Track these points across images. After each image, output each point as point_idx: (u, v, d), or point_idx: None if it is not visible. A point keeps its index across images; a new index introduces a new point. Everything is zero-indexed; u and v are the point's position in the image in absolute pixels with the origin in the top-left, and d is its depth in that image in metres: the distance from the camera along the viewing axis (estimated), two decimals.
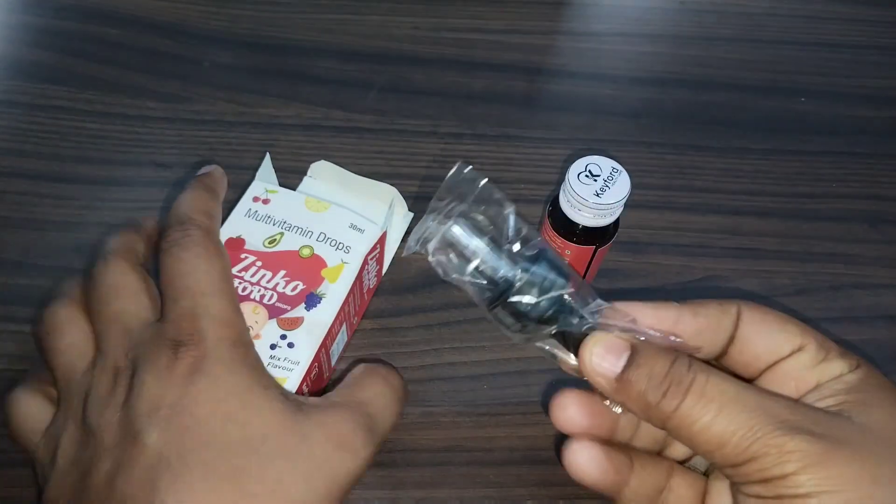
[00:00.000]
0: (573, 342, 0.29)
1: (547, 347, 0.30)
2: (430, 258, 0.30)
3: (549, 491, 0.37)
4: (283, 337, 0.34)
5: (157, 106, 0.52)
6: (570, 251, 0.39)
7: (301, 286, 0.36)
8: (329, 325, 0.35)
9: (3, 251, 0.44)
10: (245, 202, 0.39)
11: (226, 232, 0.37)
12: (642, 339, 0.28)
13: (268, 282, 0.35)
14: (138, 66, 0.54)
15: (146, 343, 0.29)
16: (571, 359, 0.29)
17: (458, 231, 0.29)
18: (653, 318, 0.28)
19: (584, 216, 0.37)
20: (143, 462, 0.26)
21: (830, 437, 0.24)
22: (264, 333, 0.34)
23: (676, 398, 0.25)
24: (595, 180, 0.36)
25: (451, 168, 0.30)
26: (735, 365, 0.29)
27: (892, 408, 0.26)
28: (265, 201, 0.39)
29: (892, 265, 0.47)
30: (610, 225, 0.38)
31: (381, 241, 0.40)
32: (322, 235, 0.38)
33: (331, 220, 0.38)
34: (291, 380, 0.33)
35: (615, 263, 0.46)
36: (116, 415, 0.28)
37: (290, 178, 0.44)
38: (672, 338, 0.28)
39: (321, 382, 0.38)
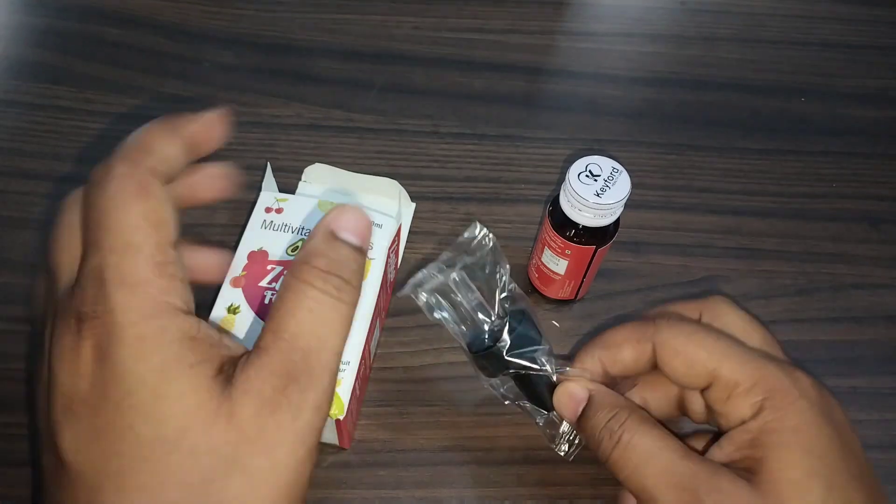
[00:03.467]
0: (537, 397, 0.34)
1: (518, 403, 0.36)
2: (420, 299, 0.34)
3: (549, 491, 0.37)
4: None
5: (157, 106, 0.52)
6: (570, 251, 0.39)
7: None
8: (369, 322, 0.36)
9: (3, 251, 0.44)
10: (258, 215, 0.38)
11: (247, 246, 0.37)
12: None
13: None
14: (139, 65, 0.54)
15: (58, 314, 0.24)
16: (538, 414, 0.35)
17: (459, 279, 0.33)
18: (589, 366, 0.33)
19: (585, 216, 0.37)
20: (65, 480, 0.23)
21: None
22: None
23: (608, 449, 0.30)
24: (595, 180, 0.36)
25: (468, 228, 0.34)
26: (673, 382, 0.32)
27: (785, 464, 0.27)
28: (278, 210, 0.39)
29: (893, 265, 0.47)
30: (610, 225, 0.38)
31: (398, 234, 0.40)
32: None
33: None
34: (345, 381, 0.34)
35: (615, 263, 0.46)
36: (43, 403, 0.24)
37: (290, 178, 0.44)
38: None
39: (366, 380, 0.38)
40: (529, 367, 0.33)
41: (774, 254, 0.47)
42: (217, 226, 0.45)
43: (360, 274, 0.26)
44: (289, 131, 0.51)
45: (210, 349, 0.24)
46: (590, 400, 0.32)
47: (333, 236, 0.26)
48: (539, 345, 0.33)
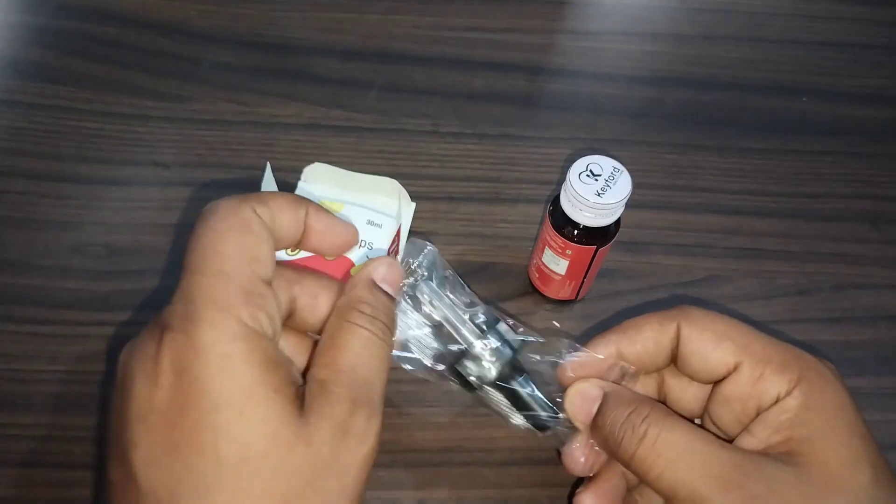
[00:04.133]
0: (519, 402, 0.33)
1: (495, 407, 0.34)
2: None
3: (549, 491, 0.37)
4: None
5: (157, 105, 0.52)
6: (570, 251, 0.39)
7: None
8: None
9: (3, 251, 0.44)
10: None
11: None
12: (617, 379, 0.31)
13: None
14: (138, 65, 0.54)
15: (147, 326, 0.25)
16: (517, 417, 0.34)
17: (427, 290, 0.33)
18: (603, 351, 0.31)
19: (585, 216, 0.37)
20: (132, 495, 0.23)
21: (771, 496, 0.25)
22: None
23: (631, 446, 0.28)
24: (596, 180, 0.36)
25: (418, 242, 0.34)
26: (690, 374, 0.30)
27: (832, 444, 0.26)
28: None
29: (893, 265, 0.47)
30: (611, 225, 0.38)
31: (398, 233, 0.40)
32: None
33: (349, 220, 0.39)
34: None
35: (615, 263, 0.45)
36: (116, 411, 0.25)
37: (290, 177, 0.44)
38: (623, 364, 0.31)
39: None
40: (504, 376, 0.32)
41: (775, 254, 0.47)
42: None
43: (394, 319, 0.29)
44: (289, 131, 0.51)
45: (289, 375, 0.25)
46: (605, 397, 0.30)
47: (374, 285, 0.29)
48: (506, 354, 0.33)
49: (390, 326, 0.29)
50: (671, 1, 0.63)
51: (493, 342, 0.33)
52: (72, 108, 0.51)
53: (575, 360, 0.31)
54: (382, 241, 0.38)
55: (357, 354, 0.27)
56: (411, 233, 0.39)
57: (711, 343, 0.29)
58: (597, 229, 0.38)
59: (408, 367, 0.34)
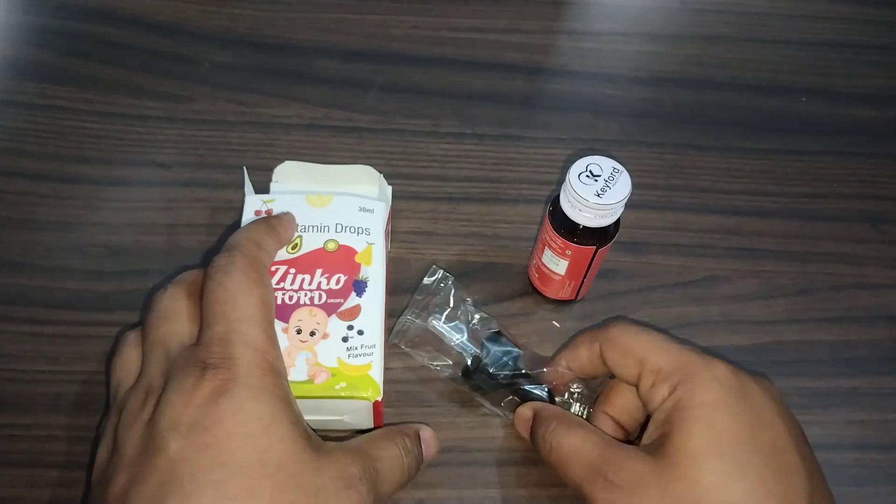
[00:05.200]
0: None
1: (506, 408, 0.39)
2: (405, 347, 0.40)
3: (548, 491, 0.37)
4: (350, 328, 0.35)
5: (157, 105, 0.52)
6: (570, 251, 0.39)
7: (343, 277, 0.37)
8: (384, 303, 0.37)
9: (3, 251, 0.44)
10: (248, 220, 0.38)
11: None
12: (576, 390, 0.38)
13: (309, 284, 0.36)
14: (138, 65, 0.54)
15: (178, 364, 0.29)
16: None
17: (437, 324, 0.39)
18: (555, 364, 0.38)
19: (585, 216, 0.37)
20: (156, 478, 0.26)
21: (626, 483, 0.30)
22: (331, 331, 0.35)
23: (546, 453, 0.34)
24: (596, 180, 0.36)
25: (428, 272, 0.41)
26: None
27: (687, 435, 0.29)
28: (268, 212, 0.39)
29: (893, 265, 0.47)
30: (611, 225, 0.38)
31: (389, 216, 0.41)
32: (339, 226, 0.38)
33: (340, 210, 0.39)
34: (376, 363, 0.34)
35: (615, 263, 0.45)
36: (140, 431, 0.28)
37: None
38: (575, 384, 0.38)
39: None
40: (513, 374, 0.37)
41: (775, 254, 0.47)
42: (220, 225, 0.45)
43: (421, 465, 0.35)
44: (289, 131, 0.51)
45: (299, 416, 0.30)
46: (535, 416, 0.36)
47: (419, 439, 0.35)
48: (515, 353, 0.38)
49: (418, 464, 0.34)
50: (671, 1, 0.63)
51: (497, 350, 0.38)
52: (72, 109, 0.51)
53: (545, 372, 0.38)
54: (377, 226, 0.39)
55: (387, 457, 0.32)
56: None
57: (620, 358, 0.34)
58: (596, 229, 0.38)
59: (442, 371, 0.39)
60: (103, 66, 0.54)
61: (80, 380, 0.39)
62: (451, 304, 0.40)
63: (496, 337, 0.39)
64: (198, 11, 0.58)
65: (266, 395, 0.28)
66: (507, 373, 0.38)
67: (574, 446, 0.32)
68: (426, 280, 0.41)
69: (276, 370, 0.30)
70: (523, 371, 0.38)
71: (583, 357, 0.36)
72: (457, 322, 0.39)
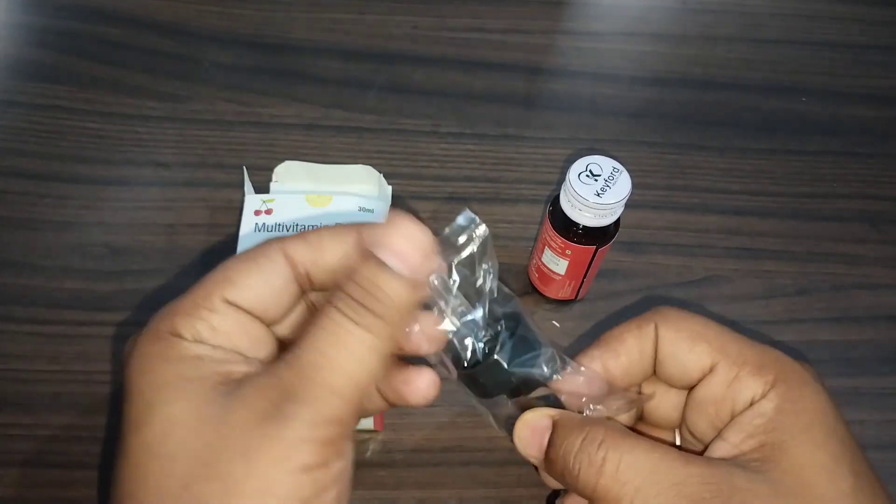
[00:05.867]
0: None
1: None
2: None
3: (549, 491, 0.37)
4: None
5: (157, 105, 0.52)
6: (570, 251, 0.39)
7: None
8: None
9: (3, 251, 0.44)
10: (248, 219, 0.38)
11: None
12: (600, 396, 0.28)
13: None
14: (138, 65, 0.54)
15: None
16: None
17: (438, 283, 0.25)
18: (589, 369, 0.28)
19: (585, 216, 0.37)
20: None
21: None
22: None
23: (591, 477, 0.25)
24: (596, 180, 0.36)
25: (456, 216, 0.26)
26: (667, 380, 0.28)
27: (809, 449, 0.24)
28: (267, 212, 0.39)
29: (893, 265, 0.47)
30: (610, 225, 0.38)
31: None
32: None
33: (340, 209, 0.39)
34: None
35: (615, 263, 0.45)
36: None
37: None
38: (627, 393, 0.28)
39: None
40: (535, 379, 0.27)
41: (775, 254, 0.47)
42: (220, 225, 0.45)
43: (398, 305, 0.23)
44: (289, 131, 0.51)
45: (218, 365, 0.23)
46: (555, 426, 0.27)
47: (370, 256, 0.23)
48: (540, 350, 0.27)
49: (382, 316, 0.23)
50: (671, 1, 0.63)
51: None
52: (72, 109, 0.51)
53: (563, 380, 0.27)
54: None
55: (313, 337, 0.22)
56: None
57: (687, 344, 0.27)
58: (596, 229, 0.38)
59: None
60: (103, 66, 0.54)
61: (80, 380, 0.39)
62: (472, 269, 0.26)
63: (516, 320, 0.27)
64: (198, 11, 0.58)
65: (154, 363, 0.23)
66: (529, 374, 0.27)
67: (651, 464, 0.24)
68: (451, 226, 0.26)
69: (169, 336, 0.24)
70: (551, 375, 0.27)
71: (632, 351, 0.28)
72: (467, 290, 0.26)
